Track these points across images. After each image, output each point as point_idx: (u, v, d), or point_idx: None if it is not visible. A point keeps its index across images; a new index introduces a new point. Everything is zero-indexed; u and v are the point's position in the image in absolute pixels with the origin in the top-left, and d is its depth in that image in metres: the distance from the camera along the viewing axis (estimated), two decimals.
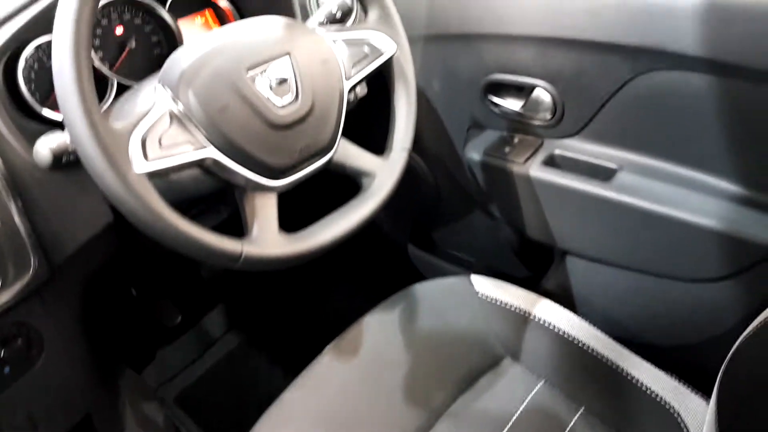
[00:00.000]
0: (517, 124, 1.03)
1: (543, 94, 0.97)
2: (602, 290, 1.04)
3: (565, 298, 1.08)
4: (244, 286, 1.55)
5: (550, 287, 1.11)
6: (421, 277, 1.27)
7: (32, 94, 0.78)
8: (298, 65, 0.71)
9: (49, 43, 0.77)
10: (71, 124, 0.58)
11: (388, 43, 0.82)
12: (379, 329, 0.95)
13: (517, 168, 1.01)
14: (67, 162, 0.67)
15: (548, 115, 0.98)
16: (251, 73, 0.68)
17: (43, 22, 0.76)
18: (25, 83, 0.77)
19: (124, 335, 1.32)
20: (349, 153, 0.80)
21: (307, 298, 1.59)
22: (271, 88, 0.69)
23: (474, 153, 1.08)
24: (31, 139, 0.73)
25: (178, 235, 0.62)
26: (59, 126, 0.78)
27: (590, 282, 1.04)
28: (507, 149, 1.04)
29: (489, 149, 1.06)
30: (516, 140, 1.05)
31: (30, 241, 0.73)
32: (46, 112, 0.79)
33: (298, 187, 0.74)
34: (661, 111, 0.85)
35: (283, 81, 0.70)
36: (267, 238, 0.69)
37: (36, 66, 0.79)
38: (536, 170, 0.99)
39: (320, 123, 0.74)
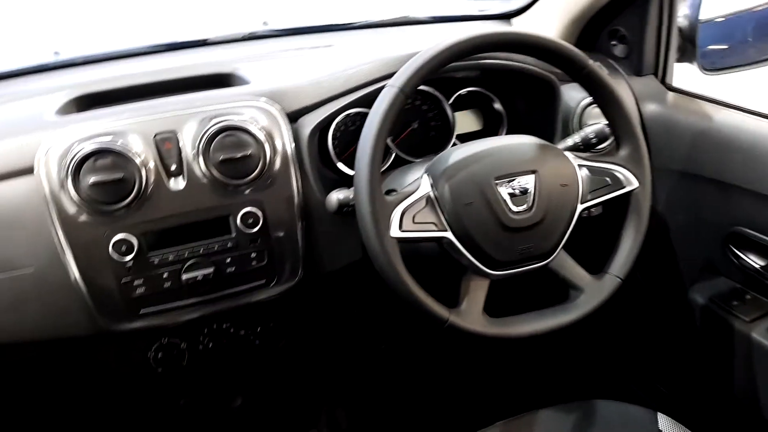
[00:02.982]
0: (754, 281, 1.00)
1: None
2: None
3: None
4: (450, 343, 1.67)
5: None
6: (612, 393, 1.26)
7: (334, 149, 1.02)
8: (540, 183, 0.83)
9: (357, 114, 1.02)
10: (358, 190, 0.78)
11: (632, 179, 0.89)
12: (549, 427, 1.00)
13: (739, 325, 0.97)
14: (345, 212, 0.88)
15: None
16: (498, 181, 0.82)
17: (359, 101, 0.99)
18: (332, 140, 1.01)
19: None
20: (565, 264, 0.89)
21: (502, 368, 1.65)
22: (511, 195, 0.82)
23: (699, 295, 1.06)
24: (324, 183, 0.97)
25: (406, 290, 0.78)
26: (345, 177, 1.02)
27: None
28: (735, 302, 1.01)
29: (716, 296, 1.04)
30: (748, 297, 1.01)
31: (303, 256, 0.95)
32: (340, 165, 1.02)
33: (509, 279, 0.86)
34: None
35: (523, 192, 0.83)
36: (471, 314, 0.82)
37: (342, 128, 1.03)
38: (760, 334, 0.94)
39: (546, 234, 0.84)
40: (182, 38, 1.32)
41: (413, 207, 0.81)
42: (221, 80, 1.06)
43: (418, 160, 1.03)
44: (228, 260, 0.91)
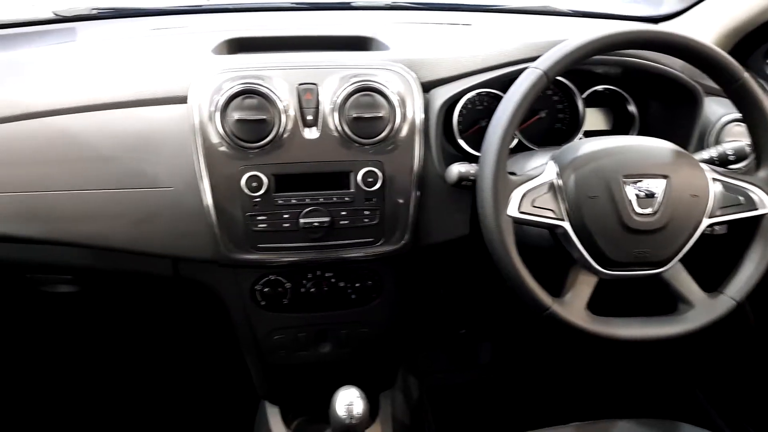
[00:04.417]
0: None
1: None
2: None
3: None
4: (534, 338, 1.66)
5: None
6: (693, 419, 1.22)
7: (458, 124, 1.03)
8: (670, 189, 0.82)
9: (487, 94, 1.03)
10: (484, 164, 0.80)
11: (767, 202, 0.85)
12: None
13: None
14: (463, 186, 0.89)
15: None
16: (627, 179, 0.81)
17: (493, 81, 1.00)
18: (457, 116, 1.03)
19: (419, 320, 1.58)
20: (679, 278, 0.87)
21: (583, 368, 1.62)
22: (637, 196, 0.81)
23: None
24: (444, 156, 0.99)
25: (513, 270, 0.80)
26: (464, 153, 1.04)
27: None
28: None
29: None
30: None
31: (411, 223, 0.98)
32: (461, 142, 1.04)
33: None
34: None
35: (650, 195, 0.81)
36: (574, 307, 0.83)
37: (468, 106, 1.05)
38: None
39: (665, 242, 0.83)
40: None
41: (535, 191, 0.82)
42: (362, 43, 1.10)
43: (540, 149, 1.03)
44: (343, 213, 0.95)
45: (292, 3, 1.37)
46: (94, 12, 1.28)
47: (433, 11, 1.33)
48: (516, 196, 0.81)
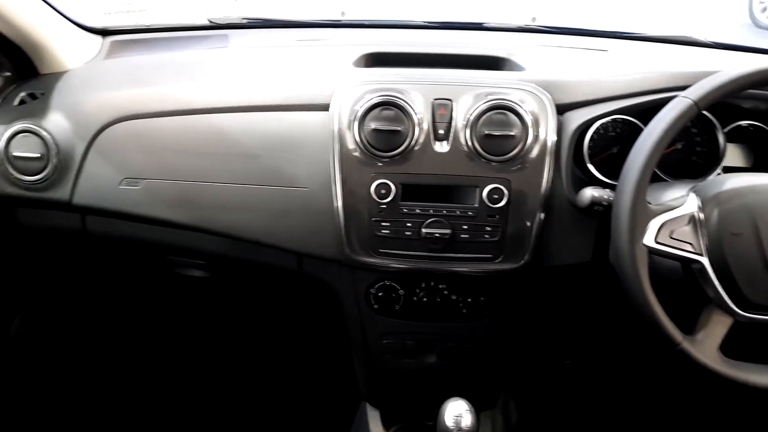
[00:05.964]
0: None
1: None
2: None
3: None
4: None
5: None
6: None
7: (588, 149, 1.02)
8: None
9: (623, 121, 1.01)
10: (622, 190, 0.79)
11: None
12: None
13: None
14: (595, 210, 0.88)
15: None
16: None
17: (631, 108, 0.98)
18: (589, 140, 1.02)
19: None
20: None
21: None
22: None
23: None
24: (572, 180, 0.98)
25: (645, 301, 0.78)
26: (591, 178, 1.02)
27: None
28: None
29: None
30: None
31: (533, 243, 0.98)
32: (590, 167, 1.02)
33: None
34: None
35: None
36: (706, 347, 0.79)
37: (600, 131, 1.03)
38: None
39: None
40: (459, 19, 1.42)
41: (674, 222, 0.79)
42: (496, 63, 1.11)
43: (675, 181, 1.00)
44: (465, 227, 0.97)
45: (425, 21, 1.41)
46: (245, 21, 1.39)
47: (567, 35, 1.33)
48: (653, 225, 0.79)
